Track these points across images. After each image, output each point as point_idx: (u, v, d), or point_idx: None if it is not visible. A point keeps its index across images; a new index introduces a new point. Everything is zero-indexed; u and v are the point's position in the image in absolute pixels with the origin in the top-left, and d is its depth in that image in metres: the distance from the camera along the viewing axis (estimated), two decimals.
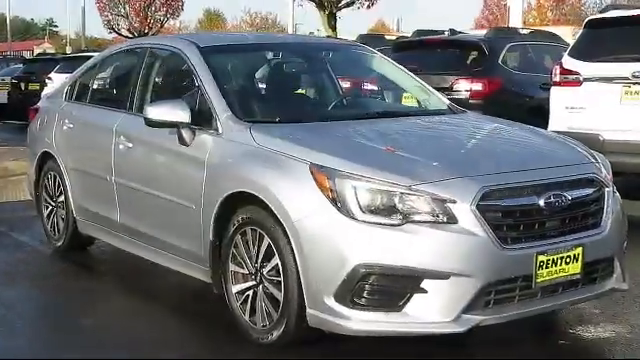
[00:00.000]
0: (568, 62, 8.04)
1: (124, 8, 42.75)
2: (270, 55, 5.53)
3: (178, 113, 4.77)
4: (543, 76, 10.27)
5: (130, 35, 40.12)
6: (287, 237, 4.05)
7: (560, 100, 8.04)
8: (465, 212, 3.82)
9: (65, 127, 6.38)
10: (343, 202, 3.89)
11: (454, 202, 3.83)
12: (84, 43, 44.03)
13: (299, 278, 4.00)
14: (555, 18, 54.72)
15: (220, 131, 4.68)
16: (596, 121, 7.68)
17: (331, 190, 3.92)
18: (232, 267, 4.49)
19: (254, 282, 4.35)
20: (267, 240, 4.20)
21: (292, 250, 4.03)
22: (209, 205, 4.59)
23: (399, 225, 3.81)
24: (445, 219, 3.83)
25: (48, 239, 6.79)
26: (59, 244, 6.60)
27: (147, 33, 41.21)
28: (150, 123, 4.87)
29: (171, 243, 5.05)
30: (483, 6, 60.37)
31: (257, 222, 4.26)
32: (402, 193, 3.86)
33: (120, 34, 42.90)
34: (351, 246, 3.84)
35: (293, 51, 5.69)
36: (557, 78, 8.07)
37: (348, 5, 25.17)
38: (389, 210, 3.85)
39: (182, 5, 45.11)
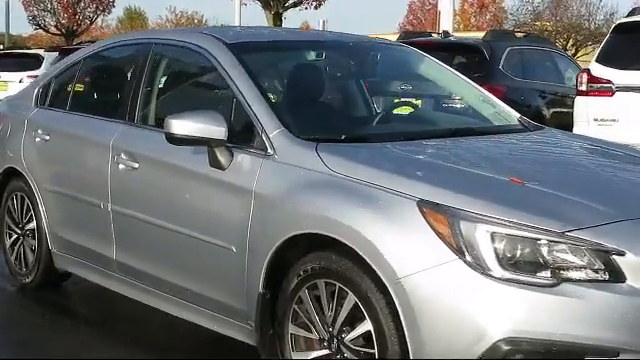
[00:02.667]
0: (597, 69, 7.22)
1: (51, 3, 40.51)
2: (312, 55, 4.49)
3: (211, 128, 3.70)
4: (541, 83, 9.54)
5: (58, 32, 38.16)
6: (387, 297, 3.05)
7: (587, 111, 7.23)
8: (635, 267, 2.89)
9: (38, 139, 5.21)
10: (474, 253, 2.91)
11: (622, 254, 2.89)
12: (7, 40, 41.66)
13: (405, 351, 3.01)
14: (478, 24, 55.05)
15: (270, 151, 3.64)
16: (631, 135, 6.89)
17: (454, 237, 2.94)
18: (293, 329, 3.46)
19: (328, 351, 3.32)
20: (352, 298, 3.19)
21: (395, 315, 3.03)
22: (259, 247, 3.55)
23: (552, 286, 2.85)
24: (608, 276, 2.89)
25: (11, 274, 5.59)
26: (27, 280, 5.42)
27: (76, 30, 39.26)
28: (174, 140, 3.79)
29: (197, 292, 3.98)
30: (407, 11, 60.41)
31: (337, 274, 3.25)
32: (552, 241, 2.90)
33: (47, 31, 40.73)
34: (489, 314, 2.86)
35: (339, 51, 4.66)
36: (584, 87, 7.26)
37: (295, 5, 24.18)
38: (535, 264, 2.90)
39: (113, 1, 43.22)
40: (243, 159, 3.73)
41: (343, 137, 3.71)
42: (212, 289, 3.88)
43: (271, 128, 3.68)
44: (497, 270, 2.87)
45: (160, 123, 4.31)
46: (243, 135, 3.79)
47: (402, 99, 4.60)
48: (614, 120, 7.02)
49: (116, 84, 4.99)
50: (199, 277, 3.96)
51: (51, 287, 5.44)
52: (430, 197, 3.05)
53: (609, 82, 7.06)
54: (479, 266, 2.89)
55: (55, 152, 5.07)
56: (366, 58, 4.65)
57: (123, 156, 4.39)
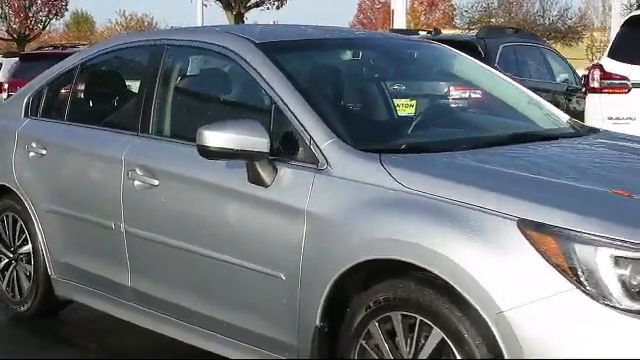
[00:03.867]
0: (610, 65, 6.90)
1: (1, 8, 39.06)
2: (349, 55, 4.05)
3: (252, 140, 3.26)
4: (535, 81, 9.24)
5: (9, 38, 36.96)
6: (483, 331, 2.64)
7: (601, 109, 6.90)
8: None
9: (32, 153, 4.69)
10: (594, 281, 2.51)
11: None
12: None
13: None
14: (428, 22, 55.09)
15: (323, 165, 3.20)
16: None
17: (569, 262, 2.54)
18: None
19: None
20: (438, 333, 2.77)
21: (495, 353, 2.62)
22: (315, 275, 3.12)
23: None
24: None
25: (2, 302, 5.06)
26: (22, 309, 4.90)
27: (28, 35, 38.06)
28: (208, 153, 3.34)
29: (234, 324, 3.53)
30: (357, 10, 60.19)
31: (417, 306, 2.83)
32: None
33: None
34: (616, 353, 2.47)
35: (375, 50, 4.22)
36: (596, 84, 6.93)
37: (257, 5, 23.61)
38: None
39: (66, 5, 41.92)
40: (290, 174, 3.29)
41: (403, 147, 3.28)
42: (254, 321, 3.43)
43: (322, 138, 3.25)
44: (624, 301, 2.48)
45: (180, 134, 3.87)
46: (286, 147, 3.36)
47: (447, 101, 4.18)
48: (630, 118, 6.70)
49: (123, 91, 4.51)
50: (237, 308, 3.51)
51: (48, 315, 4.93)
52: (531, 215, 2.65)
53: (624, 78, 6.75)
54: (602, 296, 2.49)
55: (54, 168, 4.56)
56: (403, 57, 4.22)
57: (138, 171, 3.92)
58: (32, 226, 4.71)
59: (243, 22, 22.25)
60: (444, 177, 2.94)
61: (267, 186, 3.31)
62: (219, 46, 3.85)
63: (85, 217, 4.29)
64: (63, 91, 4.86)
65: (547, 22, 44.87)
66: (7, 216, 4.95)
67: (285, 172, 3.30)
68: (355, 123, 3.49)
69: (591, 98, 7.00)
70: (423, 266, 2.77)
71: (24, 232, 4.81)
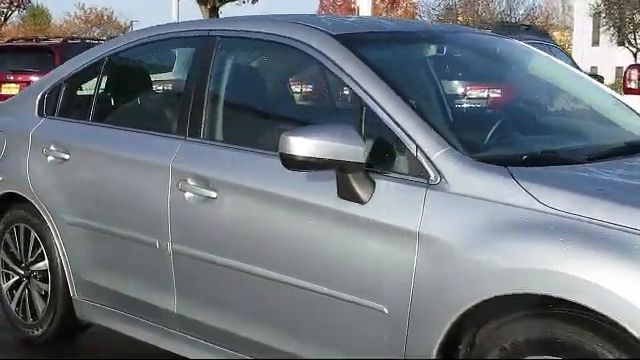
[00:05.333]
0: None
1: None
2: (433, 50, 3.56)
3: (346, 148, 2.77)
4: None
5: None
6: None
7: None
8: None
9: (51, 158, 4.13)
10: None
11: None
12: None
13: None
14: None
15: (435, 178, 2.72)
16: None
17: None
18: None
19: None
20: None
21: None
22: (431, 310, 2.64)
23: None
24: None
25: (12, 325, 4.49)
26: (36, 333, 4.35)
27: None
28: (293, 163, 2.83)
29: None
30: (319, 6, 59.85)
31: (569, 348, 2.36)
32: None
33: None
34: None
35: (458, 45, 3.72)
36: (633, 84, 6.52)
37: None
38: None
39: None
40: (392, 189, 2.80)
41: (525, 157, 2.81)
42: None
43: (432, 147, 2.76)
44: None
45: (243, 140, 3.36)
46: (383, 156, 2.87)
47: (541, 103, 3.71)
48: None
49: (161, 89, 3.96)
50: (320, 343, 3.01)
51: (64, 340, 4.37)
52: None
53: None
54: None
55: (79, 175, 4.00)
56: (489, 54, 3.74)
57: (191, 182, 3.39)
58: (50, 240, 4.16)
59: (217, 17, 21.62)
60: (592, 195, 2.48)
61: (363, 202, 2.82)
62: (287, 38, 3.34)
63: (120, 232, 3.75)
64: (86, 88, 4.28)
65: (514, 21, 44.93)
66: (18, 228, 4.38)
67: (385, 186, 2.81)
68: (466, 129, 3.01)
69: (629, 100, 6.59)
70: (575, 300, 2.31)
71: (39, 246, 4.26)
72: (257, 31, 3.52)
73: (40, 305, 4.30)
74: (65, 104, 4.31)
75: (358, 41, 3.24)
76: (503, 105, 3.58)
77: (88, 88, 4.32)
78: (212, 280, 3.38)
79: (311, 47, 3.22)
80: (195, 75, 3.61)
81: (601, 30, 47.10)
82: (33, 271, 4.32)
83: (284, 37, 3.35)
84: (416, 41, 3.54)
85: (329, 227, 2.93)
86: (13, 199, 4.40)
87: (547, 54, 4.11)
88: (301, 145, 2.79)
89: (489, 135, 3.03)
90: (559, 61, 3.99)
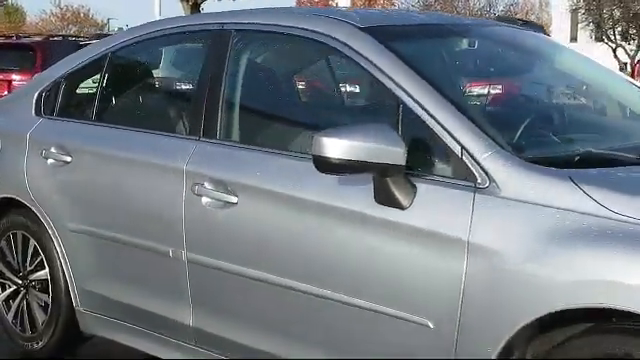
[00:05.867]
0: None
1: None
2: (465, 44, 3.34)
3: (386, 149, 2.55)
4: None
5: None
6: None
7: None
8: None
9: (52, 160, 3.88)
10: None
11: None
12: None
13: None
14: None
15: (485, 182, 2.51)
16: None
17: None
18: None
19: None
20: None
21: None
22: (483, 325, 2.44)
23: None
24: None
25: (9, 337, 4.24)
26: (35, 346, 4.09)
27: None
28: (328, 166, 2.61)
29: None
30: (296, 3, 59.61)
31: None
32: None
33: None
34: None
35: (490, 39, 3.51)
36: None
37: None
38: None
39: None
40: (435, 193, 2.59)
41: (577, 158, 2.61)
42: None
43: (480, 148, 2.55)
44: None
45: (264, 141, 3.14)
46: (424, 158, 2.66)
47: (575, 99, 3.51)
48: None
49: (170, 87, 3.73)
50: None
51: (65, 353, 4.12)
52: None
53: None
54: None
55: (84, 179, 3.76)
56: (522, 48, 3.53)
57: (208, 186, 3.16)
58: (51, 248, 3.91)
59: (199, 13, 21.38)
60: None
61: (404, 208, 2.61)
62: (310, 31, 3.11)
63: (128, 240, 3.51)
64: (87, 86, 4.03)
65: (493, 17, 44.75)
66: (15, 235, 4.13)
67: (428, 191, 2.60)
68: (512, 127, 2.79)
69: None
70: None
71: (38, 254, 4.01)
72: (276, 24, 3.29)
73: (40, 316, 4.05)
74: (65, 103, 4.06)
75: (388, 34, 3.03)
76: (545, 102, 3.37)
77: (89, 86, 4.08)
78: (233, 291, 3.15)
79: (338, 41, 3.00)
80: (208, 71, 3.38)
81: (580, 26, 47.19)
82: (32, 281, 4.07)
83: (307, 30, 3.13)
84: (447, 34, 3.32)
85: (364, 235, 2.72)
86: (9, 205, 4.14)
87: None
88: (336, 147, 2.57)
89: (537, 134, 2.83)
90: (588, 57, 3.79)
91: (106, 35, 15.21)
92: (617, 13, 41.01)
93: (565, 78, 3.60)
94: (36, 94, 4.15)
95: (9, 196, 4.11)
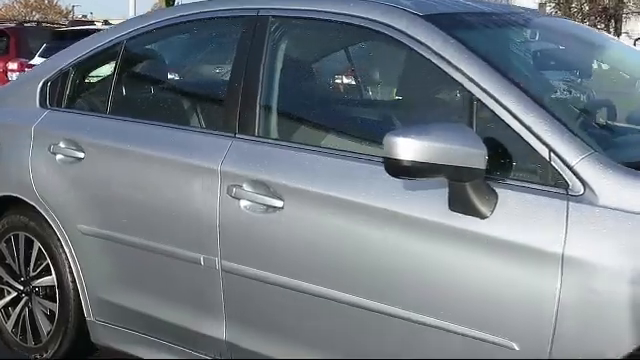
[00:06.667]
0: None
1: None
2: (527, 35, 3.07)
3: (467, 152, 2.29)
4: None
5: None
6: None
7: None
8: None
9: (61, 156, 3.55)
10: None
11: None
12: None
13: None
14: None
15: (579, 190, 2.26)
16: None
17: None
18: None
19: None
20: None
21: None
22: (582, 350, 2.17)
23: None
24: None
25: (8, 347, 3.90)
26: (40, 358, 3.75)
27: None
28: (401, 169, 2.33)
29: None
30: None
31: None
32: None
33: None
34: None
35: (549, 29, 3.23)
36: None
37: None
38: None
39: None
40: (521, 201, 2.33)
41: None
42: None
43: (572, 151, 2.29)
44: None
45: (312, 139, 2.85)
46: (506, 162, 2.40)
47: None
48: None
49: (196, 77, 3.41)
50: None
51: None
52: None
53: None
54: None
55: (99, 177, 3.43)
56: (579, 40, 3.27)
57: (247, 188, 2.86)
58: (59, 251, 3.59)
59: (174, 2, 20.81)
60: None
61: (484, 217, 2.34)
62: (361, 18, 2.82)
63: (151, 245, 3.20)
64: (100, 75, 3.71)
65: None
66: (16, 237, 3.79)
67: (511, 198, 2.34)
68: (602, 128, 2.53)
69: None
70: None
71: (44, 258, 3.68)
72: (320, 10, 2.99)
73: (45, 326, 3.72)
74: (74, 94, 3.72)
75: (451, 22, 2.75)
76: (634, 98, 3.11)
77: (97, 76, 3.75)
78: (275, 304, 2.86)
79: (396, 29, 2.71)
80: (243, 61, 3.07)
81: None
82: (35, 287, 3.74)
83: (358, 17, 2.83)
84: (511, 25, 3.05)
85: (436, 246, 2.44)
86: (9, 203, 3.80)
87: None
88: (410, 147, 2.30)
89: (628, 135, 2.57)
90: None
91: (85, 22, 14.90)
92: (586, 7, 41.18)
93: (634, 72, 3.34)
94: (40, 84, 3.81)
95: (10, 194, 3.77)
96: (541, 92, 2.56)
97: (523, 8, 3.59)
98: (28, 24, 13.89)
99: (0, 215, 3.87)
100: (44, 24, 15.05)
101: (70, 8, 70.09)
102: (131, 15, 21.07)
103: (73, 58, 3.75)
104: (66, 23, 18.04)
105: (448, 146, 2.30)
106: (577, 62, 3.19)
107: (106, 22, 16.74)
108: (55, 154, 3.56)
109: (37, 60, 11.60)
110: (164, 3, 20.50)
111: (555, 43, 3.18)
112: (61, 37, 12.16)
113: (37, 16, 60.20)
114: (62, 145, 3.54)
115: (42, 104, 3.77)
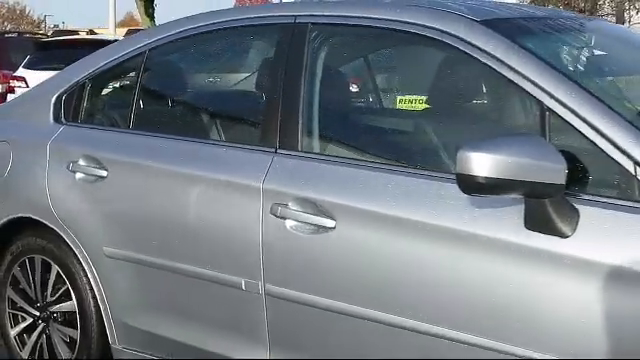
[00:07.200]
0: None
1: None
2: (583, 40, 2.91)
3: (545, 166, 2.13)
4: None
5: None
6: None
7: None
8: None
9: (80, 174, 3.35)
10: None
11: None
12: None
13: None
14: None
15: None
16: None
17: None
18: None
19: None
20: None
21: None
22: None
23: None
24: None
25: None
26: None
27: None
28: (474, 185, 2.17)
29: None
30: (236, 2, 58.91)
31: None
32: None
33: None
34: None
35: (601, 34, 3.08)
36: None
37: None
38: None
39: None
40: (606, 218, 2.16)
41: None
42: None
43: None
44: None
45: (364, 153, 2.67)
46: (585, 176, 2.24)
47: None
48: None
49: (232, 89, 3.23)
50: None
51: None
52: None
53: None
54: None
55: (125, 196, 3.23)
56: (626, 43, 3.13)
57: (293, 207, 2.69)
58: (79, 275, 3.39)
59: (153, 9, 20.57)
60: None
61: (566, 236, 2.18)
62: (412, 24, 2.66)
63: (186, 268, 3.01)
64: (120, 88, 3.51)
65: None
66: (32, 260, 3.59)
67: (595, 215, 2.18)
68: None
69: None
70: None
71: (63, 282, 3.48)
72: (364, 16, 2.82)
73: (64, 354, 3.51)
74: (92, 108, 3.53)
75: (511, 28, 2.59)
76: None
77: (117, 88, 3.56)
78: (328, 331, 2.68)
79: (453, 36, 2.55)
80: (281, 72, 2.90)
81: None
82: (54, 313, 3.53)
83: (409, 24, 2.67)
84: (568, 29, 2.90)
85: (511, 268, 2.28)
86: (23, 225, 3.60)
87: None
88: (485, 163, 2.13)
89: None
90: None
91: (68, 33, 14.60)
92: (561, 8, 41.53)
93: None
94: (54, 98, 3.60)
95: (25, 215, 3.56)
96: (617, 101, 2.41)
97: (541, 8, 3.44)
98: (8, 35, 13.57)
99: (13, 238, 3.65)
100: (25, 35, 14.71)
101: (42, 18, 69.50)
102: (111, 24, 20.82)
103: (90, 70, 3.55)
104: (49, 34, 17.73)
105: (526, 161, 2.14)
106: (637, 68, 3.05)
107: (91, 32, 16.51)
108: (74, 172, 3.36)
109: (22, 72, 11.32)
110: (143, 10, 20.19)
111: (611, 48, 3.04)
112: (45, 48, 11.88)
113: (9, 26, 59.55)
114: (82, 163, 3.35)
115: (56, 119, 3.57)
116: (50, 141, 3.50)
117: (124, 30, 21.78)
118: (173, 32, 3.35)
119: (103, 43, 11.03)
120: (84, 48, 11.07)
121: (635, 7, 27.92)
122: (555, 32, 2.79)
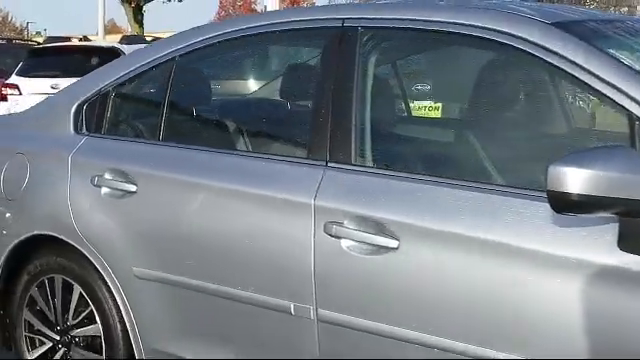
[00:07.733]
0: None
1: None
2: None
3: None
4: None
5: None
6: None
7: None
8: None
9: (106, 189, 3.13)
10: None
11: None
12: None
13: None
14: None
15: None
16: None
17: None
18: None
19: None
20: None
21: None
22: None
23: None
24: None
25: None
26: None
27: None
28: (568, 204, 1.97)
29: None
30: (219, 7, 58.58)
31: None
32: None
33: None
34: None
35: None
36: None
37: None
38: None
39: None
40: None
41: None
42: None
43: None
44: None
45: (432, 167, 2.47)
46: None
47: None
48: None
49: (273, 98, 3.01)
50: None
51: None
52: None
53: None
54: None
55: (157, 213, 3.01)
56: None
57: (350, 225, 2.48)
58: (105, 297, 3.16)
59: (142, 16, 20.32)
60: None
61: None
62: (479, 28, 2.46)
63: (227, 291, 2.79)
64: (147, 97, 3.29)
65: None
66: (51, 280, 3.35)
67: None
68: None
69: None
70: None
71: (86, 305, 3.25)
72: (421, 19, 2.62)
73: None
74: (117, 118, 3.31)
75: (586, 32, 2.40)
76: None
77: (144, 97, 3.34)
78: None
79: (526, 41, 2.35)
80: (329, 80, 2.69)
81: None
82: (75, 337, 3.30)
83: (476, 27, 2.47)
84: (631, 32, 2.70)
85: (606, 292, 2.08)
86: (42, 243, 3.37)
87: None
88: (581, 179, 1.93)
89: None
90: None
91: (61, 39, 14.38)
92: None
93: None
94: (74, 107, 3.38)
95: (44, 232, 3.33)
96: None
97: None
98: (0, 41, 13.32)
99: (31, 256, 3.42)
100: (14, 41, 14.44)
101: (25, 25, 68.93)
102: (100, 30, 20.53)
103: (114, 78, 3.33)
104: (41, 40, 17.46)
105: (622, 176, 1.94)
106: None
107: (85, 38, 16.23)
108: (99, 187, 3.14)
109: (15, 79, 11.06)
110: (132, 16, 19.96)
111: None
112: (39, 54, 11.64)
113: None
114: (108, 177, 3.12)
115: (77, 130, 3.34)
116: (72, 153, 3.28)
117: (112, 37, 21.55)
118: (206, 37, 3.13)
119: (96, 50, 10.87)
120: (77, 55, 10.97)
121: None
122: (628, 35, 2.60)
